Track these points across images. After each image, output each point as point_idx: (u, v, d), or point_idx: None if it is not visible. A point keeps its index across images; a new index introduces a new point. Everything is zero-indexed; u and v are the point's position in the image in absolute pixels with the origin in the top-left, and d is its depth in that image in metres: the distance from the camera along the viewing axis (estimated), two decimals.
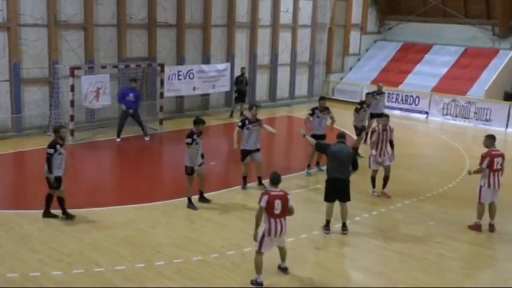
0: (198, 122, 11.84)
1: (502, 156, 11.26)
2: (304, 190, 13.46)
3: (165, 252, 9.87)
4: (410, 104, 23.94)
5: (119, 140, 17.51)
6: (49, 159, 10.93)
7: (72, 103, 17.15)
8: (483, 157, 11.17)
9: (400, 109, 23.94)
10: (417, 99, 23.67)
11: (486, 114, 22.10)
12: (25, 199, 12.70)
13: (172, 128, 19.33)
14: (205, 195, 12.40)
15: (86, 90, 17.67)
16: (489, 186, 11.22)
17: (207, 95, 22.06)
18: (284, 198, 8.67)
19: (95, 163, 16.54)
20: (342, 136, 11.09)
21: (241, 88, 21.73)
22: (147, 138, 17.82)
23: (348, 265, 9.93)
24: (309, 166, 14.68)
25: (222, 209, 12.11)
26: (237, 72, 22.29)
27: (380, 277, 9.39)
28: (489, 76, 23.43)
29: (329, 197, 10.96)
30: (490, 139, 11.50)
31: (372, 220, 11.90)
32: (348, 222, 11.20)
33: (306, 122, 15.16)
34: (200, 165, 11.89)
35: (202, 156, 12.00)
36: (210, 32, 21.93)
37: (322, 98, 15.35)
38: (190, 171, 11.74)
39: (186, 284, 8.72)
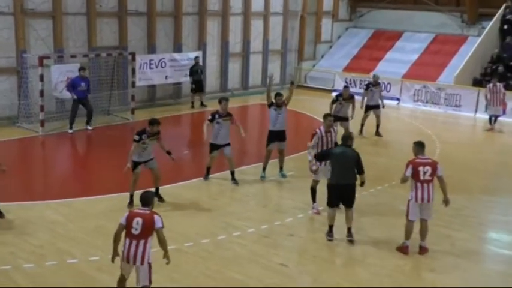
0: (153, 123, 11.16)
1: (431, 165, 9.65)
2: (277, 177, 13.48)
3: None
4: (381, 91, 24.09)
5: (71, 131, 17.03)
6: None
7: (41, 93, 16.89)
8: (406, 165, 9.72)
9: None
10: (388, 85, 23.83)
11: (456, 100, 22.38)
12: None
13: (144, 118, 19.09)
14: (177, 184, 12.35)
15: (56, 79, 17.46)
16: (416, 200, 9.65)
17: (179, 83, 21.92)
18: (148, 218, 7.36)
19: (66, 154, 16.37)
20: (346, 139, 10.15)
21: (197, 78, 21.31)
22: (90, 128, 17.48)
23: (322, 250, 10.00)
24: (264, 169, 13.48)
25: (195, 198, 12.10)
26: (211, 61, 22.15)
27: (353, 261, 9.50)
28: (458, 62, 23.71)
29: (333, 203, 10.17)
30: (417, 146, 9.89)
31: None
32: (321, 208, 11.28)
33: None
34: (148, 161, 11.31)
35: (169, 153, 11.48)
36: (181, 20, 21.76)
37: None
38: (134, 166, 11.20)
39: (161, 272, 8.69)
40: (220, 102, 12.84)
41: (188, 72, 21.13)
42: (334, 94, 19.13)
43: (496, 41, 24.20)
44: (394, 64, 25.19)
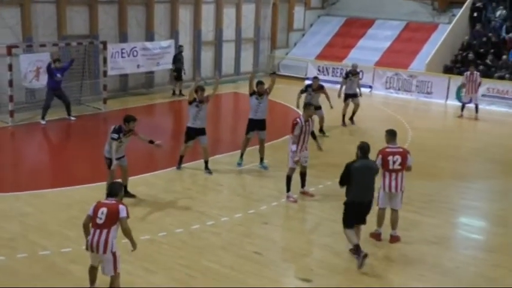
0: (128, 120, 10.82)
1: (401, 154, 9.56)
2: (252, 165, 13.47)
3: None
4: (360, 80, 24.23)
5: (44, 122, 16.76)
6: None
7: (10, 83, 16.59)
8: (377, 154, 9.64)
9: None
10: (361, 73, 23.89)
11: (427, 87, 22.62)
12: None
13: (116, 107, 18.99)
14: (150, 174, 12.29)
15: (25, 69, 17.14)
16: (384, 188, 9.65)
17: (152, 72, 21.75)
18: (112, 208, 7.42)
19: (37, 144, 16.13)
20: (366, 150, 9.07)
21: (179, 66, 21.31)
22: (73, 118, 17.32)
23: (295, 238, 10.06)
24: (242, 156, 13.45)
25: (168, 188, 12.06)
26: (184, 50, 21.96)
27: (325, 248, 9.57)
28: (429, 50, 23.94)
29: (351, 223, 9.20)
30: (389, 135, 9.79)
31: (318, 193, 12.03)
32: (295, 196, 11.33)
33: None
34: (120, 158, 10.99)
35: (152, 141, 11.29)
36: (153, 8, 21.54)
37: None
38: (109, 163, 10.92)
39: (135, 263, 8.67)
40: (196, 92, 12.51)
41: (163, 61, 21.08)
42: (306, 82, 19.18)
43: (466, 29, 24.50)
44: (366, 52, 25.31)
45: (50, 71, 16.79)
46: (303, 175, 11.80)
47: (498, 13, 24.21)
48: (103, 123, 18.16)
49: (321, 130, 16.15)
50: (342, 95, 17.63)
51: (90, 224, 7.48)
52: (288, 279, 8.81)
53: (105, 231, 7.36)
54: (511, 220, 11.29)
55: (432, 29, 25.40)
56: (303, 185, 11.88)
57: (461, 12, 24.39)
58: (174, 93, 21.48)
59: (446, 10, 25.88)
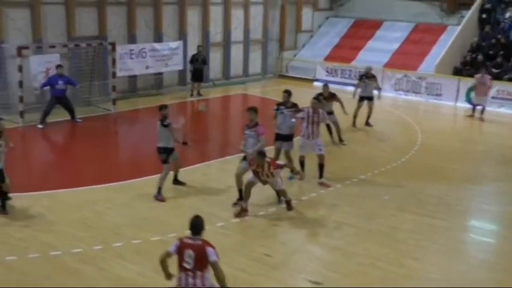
0: (160, 108, 11.63)
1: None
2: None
3: (123, 233, 9.78)
4: (377, 82, 24.20)
5: (41, 126, 16.60)
6: None
7: (20, 84, 16.68)
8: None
9: (353, 85, 24.08)
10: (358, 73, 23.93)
11: (437, 89, 22.55)
12: None
13: (125, 108, 19.05)
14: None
15: (35, 70, 17.25)
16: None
17: (160, 73, 21.79)
18: (200, 250, 6.57)
19: (48, 145, 16.21)
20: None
21: (197, 67, 21.44)
22: (79, 120, 17.22)
23: (305, 240, 10.04)
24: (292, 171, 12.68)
25: (179, 189, 12.06)
26: (192, 51, 22.04)
27: (337, 251, 9.55)
28: (439, 51, 23.86)
29: None
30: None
31: (329, 196, 12.03)
32: (305, 198, 11.33)
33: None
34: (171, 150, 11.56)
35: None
36: (161, 9, 21.59)
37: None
38: (165, 157, 11.48)
39: (146, 264, 8.68)
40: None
41: (171, 62, 21.16)
42: (316, 84, 19.06)
43: (475, 30, 24.41)
44: (375, 53, 25.25)
45: (51, 79, 16.72)
46: (320, 166, 12.31)
47: (507, 15, 24.13)
48: (112, 124, 18.24)
49: (340, 139, 15.64)
50: (357, 97, 17.54)
51: (177, 265, 6.67)
52: (298, 281, 8.78)
53: (198, 275, 6.56)
54: None
55: (441, 31, 25.31)
56: (320, 176, 12.27)
57: (470, 14, 24.31)
58: (192, 95, 21.50)
59: (455, 11, 25.78)
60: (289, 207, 10.91)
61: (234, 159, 14.05)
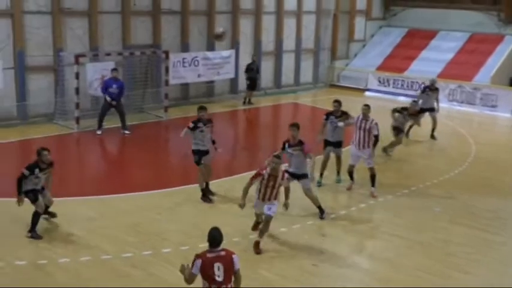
0: (198, 109, 11.85)
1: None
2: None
3: (172, 240, 9.89)
4: (415, 90, 23.62)
5: (99, 132, 16.84)
6: (20, 179, 9.71)
7: (77, 91, 17.14)
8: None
9: (406, 95, 23.77)
10: (423, 85, 23.49)
11: (492, 100, 21.98)
12: None
13: (177, 115, 19.30)
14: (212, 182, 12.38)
15: (91, 77, 17.66)
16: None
17: (212, 82, 21.99)
18: (227, 260, 6.56)
19: (101, 150, 16.55)
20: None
21: (252, 76, 21.63)
22: (127, 132, 17.05)
23: (355, 252, 9.91)
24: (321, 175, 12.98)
25: (228, 196, 12.10)
26: (244, 60, 22.20)
27: (386, 263, 9.39)
28: (495, 62, 23.29)
29: None
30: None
31: (378, 207, 11.87)
32: (354, 208, 11.20)
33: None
34: (204, 153, 11.75)
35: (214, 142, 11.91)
36: (214, 18, 21.82)
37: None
38: (197, 159, 11.67)
39: None
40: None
41: (223, 70, 21.40)
42: (366, 94, 18.79)
43: None
44: (428, 63, 24.81)
45: (107, 82, 16.97)
46: (371, 177, 12.29)
47: None
48: (164, 131, 18.49)
49: (384, 150, 15.29)
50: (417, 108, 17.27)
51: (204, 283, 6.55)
52: None
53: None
54: None
55: (498, 41, 24.65)
56: (371, 185, 12.32)
57: None
58: (244, 102, 21.72)
59: None
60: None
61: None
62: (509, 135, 19.95)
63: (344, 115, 12.66)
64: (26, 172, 9.70)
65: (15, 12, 17.07)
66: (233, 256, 6.61)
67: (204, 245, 9.53)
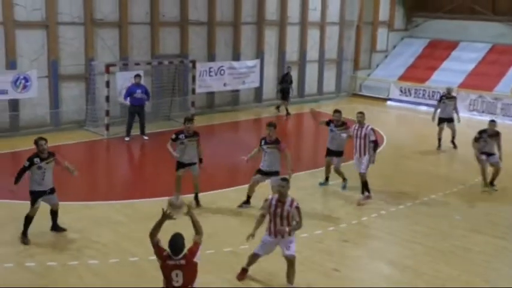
0: (184, 120, 11.52)
1: None
2: (330, 184, 13.35)
3: None
4: (456, 104, 23.67)
5: (127, 139, 17.04)
6: (20, 170, 9.68)
7: (107, 98, 17.37)
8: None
9: (427, 105, 23.60)
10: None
11: None
12: (63, 190, 12.88)
13: (202, 123, 19.38)
14: (229, 189, 12.50)
15: (121, 86, 17.85)
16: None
17: (237, 90, 22.09)
18: (186, 268, 6.63)
19: (129, 156, 16.71)
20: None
21: (285, 86, 21.66)
22: (145, 138, 17.27)
23: (374, 258, 9.87)
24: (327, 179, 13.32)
25: (253, 200, 12.11)
26: (268, 69, 22.27)
27: (407, 270, 9.33)
28: None
29: None
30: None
31: (398, 214, 11.80)
32: (374, 215, 11.16)
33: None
34: (189, 164, 11.54)
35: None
36: (240, 29, 21.96)
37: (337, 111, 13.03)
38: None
39: (218, 274, 8.80)
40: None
41: (248, 80, 21.57)
42: (390, 102, 18.58)
43: None
44: (450, 73, 24.62)
45: (131, 88, 17.11)
46: (362, 184, 12.20)
47: None
48: None
49: (491, 183, 13.63)
50: (436, 119, 17.08)
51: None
52: None
53: None
54: None
55: None
56: (361, 192, 12.23)
57: None
58: (278, 110, 21.81)
59: None
60: None
61: (304, 175, 14.06)
62: None
63: (344, 125, 12.65)
64: (26, 163, 9.67)
65: (50, 24, 17.39)
66: (194, 261, 6.65)
67: (228, 250, 9.65)
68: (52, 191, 10.01)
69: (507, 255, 10.02)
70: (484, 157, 13.12)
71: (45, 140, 9.87)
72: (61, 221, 10.60)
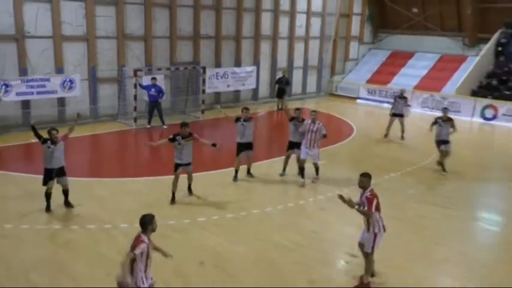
0: (181, 125, 10.43)
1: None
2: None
3: (205, 212, 9.98)
4: (406, 103, 23.53)
5: (149, 126, 17.10)
6: (37, 135, 9.46)
7: (135, 97, 17.32)
8: (371, 199, 7.24)
9: (388, 102, 23.54)
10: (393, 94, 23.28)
11: (456, 107, 21.73)
12: (101, 170, 12.93)
13: (210, 117, 19.40)
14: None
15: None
16: (384, 230, 7.50)
17: (238, 91, 22.05)
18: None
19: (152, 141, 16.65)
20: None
21: (281, 87, 21.61)
22: (165, 126, 17.09)
23: (348, 223, 9.89)
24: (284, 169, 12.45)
25: (249, 180, 12.11)
26: (263, 74, 22.16)
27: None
28: (459, 77, 23.00)
29: None
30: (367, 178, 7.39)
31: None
32: (347, 191, 11.21)
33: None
34: (185, 164, 10.59)
35: (214, 144, 10.83)
36: (241, 42, 21.86)
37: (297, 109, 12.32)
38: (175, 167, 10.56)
39: (222, 236, 8.83)
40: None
41: (247, 82, 21.35)
42: (359, 100, 18.64)
43: (491, 60, 23.35)
44: (407, 78, 24.63)
45: (147, 87, 17.11)
46: (316, 169, 12.05)
47: None
48: (199, 128, 18.51)
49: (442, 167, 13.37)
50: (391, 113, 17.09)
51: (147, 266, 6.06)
52: (337, 253, 8.70)
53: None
54: None
55: (462, 61, 24.37)
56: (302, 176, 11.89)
57: (488, 47, 23.28)
58: (278, 108, 21.59)
59: (475, 45, 24.74)
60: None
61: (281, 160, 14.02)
62: (468, 134, 19.68)
63: (303, 121, 11.81)
64: (42, 140, 9.44)
65: (90, 38, 17.30)
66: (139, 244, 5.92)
67: (230, 216, 9.67)
68: (62, 172, 9.63)
69: (452, 221, 10.06)
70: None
71: (57, 130, 9.56)
72: (96, 193, 10.64)
